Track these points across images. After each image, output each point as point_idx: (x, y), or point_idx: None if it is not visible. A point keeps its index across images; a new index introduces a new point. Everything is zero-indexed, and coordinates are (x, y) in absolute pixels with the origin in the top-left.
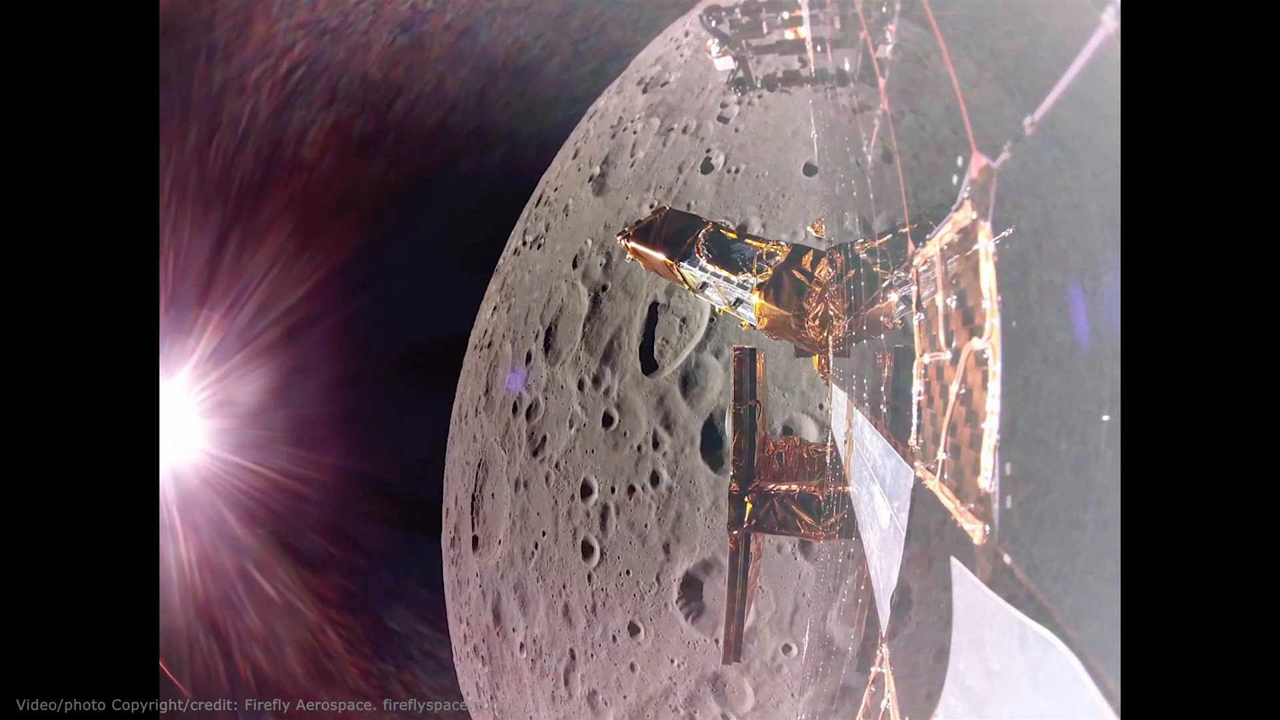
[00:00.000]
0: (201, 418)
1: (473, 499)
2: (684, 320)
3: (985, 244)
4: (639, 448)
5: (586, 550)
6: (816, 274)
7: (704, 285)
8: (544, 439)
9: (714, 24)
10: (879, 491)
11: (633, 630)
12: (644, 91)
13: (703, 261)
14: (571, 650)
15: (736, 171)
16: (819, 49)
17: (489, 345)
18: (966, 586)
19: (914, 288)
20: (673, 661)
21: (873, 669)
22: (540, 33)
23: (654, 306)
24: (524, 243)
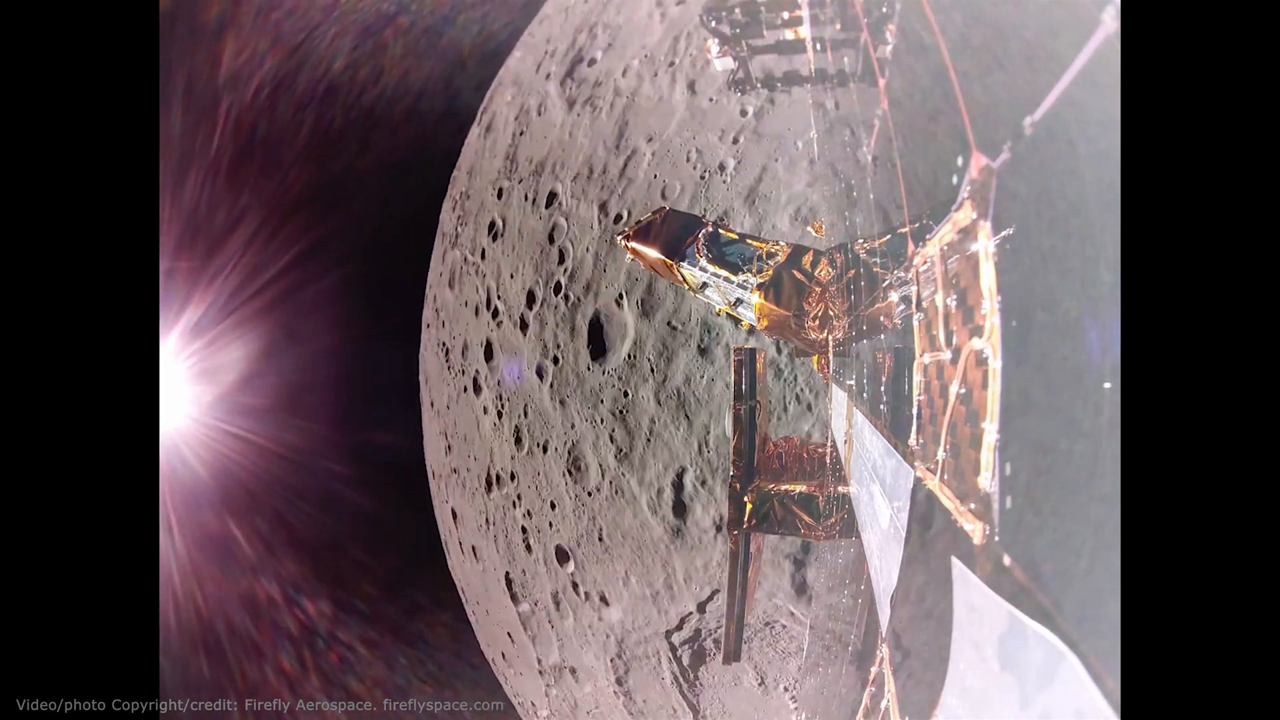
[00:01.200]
0: (187, 384)
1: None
2: None
3: (985, 244)
4: None
5: None
6: (816, 274)
7: (704, 285)
8: None
9: (714, 24)
10: (879, 491)
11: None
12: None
13: (703, 262)
14: None
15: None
16: (819, 49)
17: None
18: (966, 586)
19: (914, 288)
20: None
21: (872, 669)
22: (508, 20)
23: None
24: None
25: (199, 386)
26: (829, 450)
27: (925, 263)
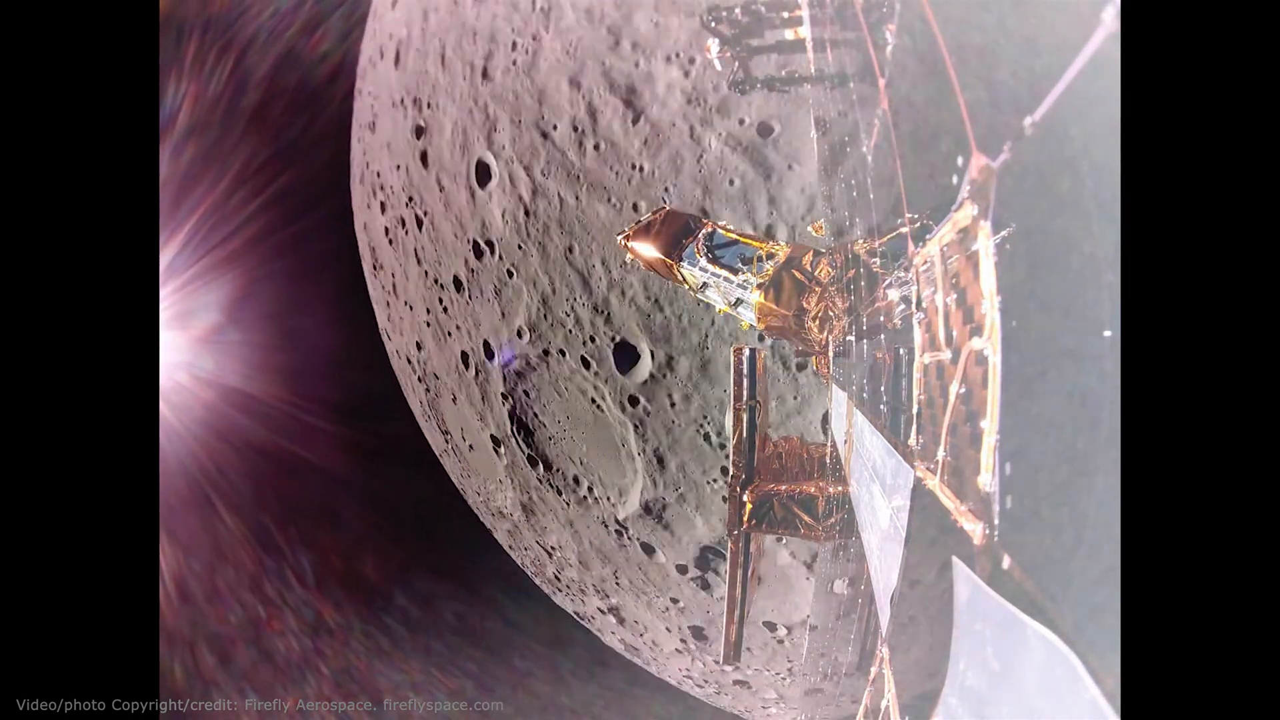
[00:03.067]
0: (163, 330)
1: None
2: None
3: (985, 243)
4: None
5: None
6: (816, 274)
7: (704, 285)
8: None
9: (714, 24)
10: (879, 491)
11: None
12: None
13: (703, 261)
14: None
15: None
16: (819, 49)
17: None
18: (966, 586)
19: (914, 287)
20: None
21: (872, 669)
22: None
23: None
24: None
25: (173, 333)
26: (829, 450)
27: (925, 263)
